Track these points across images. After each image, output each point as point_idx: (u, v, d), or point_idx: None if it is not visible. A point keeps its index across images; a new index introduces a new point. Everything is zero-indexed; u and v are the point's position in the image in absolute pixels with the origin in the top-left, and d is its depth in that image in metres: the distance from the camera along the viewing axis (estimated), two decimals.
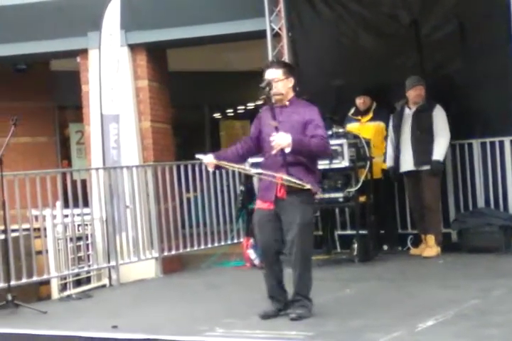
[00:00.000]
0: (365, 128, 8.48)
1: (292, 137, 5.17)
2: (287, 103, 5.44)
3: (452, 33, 8.45)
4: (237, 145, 5.63)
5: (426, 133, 8.01)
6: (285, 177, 5.25)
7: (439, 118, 8.02)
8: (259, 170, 5.50)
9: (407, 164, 8.13)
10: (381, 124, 8.49)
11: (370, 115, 8.53)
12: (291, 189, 5.28)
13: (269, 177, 5.33)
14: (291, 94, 5.49)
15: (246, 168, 5.72)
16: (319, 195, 5.62)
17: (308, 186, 5.28)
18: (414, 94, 8.11)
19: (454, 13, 8.44)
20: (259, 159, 5.75)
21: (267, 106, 5.56)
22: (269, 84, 5.35)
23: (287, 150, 5.19)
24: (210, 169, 5.64)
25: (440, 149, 7.97)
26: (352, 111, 8.63)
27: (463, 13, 8.39)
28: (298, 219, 5.27)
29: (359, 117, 8.58)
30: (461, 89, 8.38)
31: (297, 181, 5.25)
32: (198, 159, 5.68)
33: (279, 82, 5.38)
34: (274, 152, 5.23)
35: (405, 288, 6.41)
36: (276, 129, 5.25)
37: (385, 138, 8.42)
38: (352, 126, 8.49)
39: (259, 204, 5.49)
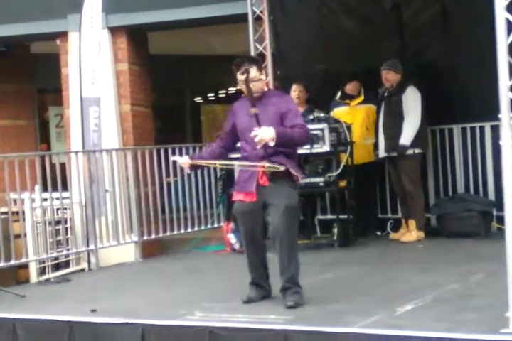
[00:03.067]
0: (356, 111, 8.49)
1: (276, 130, 5.12)
2: (261, 95, 5.35)
3: (434, 17, 8.45)
4: (213, 145, 5.62)
5: (395, 118, 7.99)
6: (267, 164, 5.20)
7: (409, 100, 7.96)
8: (238, 162, 5.41)
9: (381, 150, 8.16)
10: (372, 107, 8.47)
11: (361, 98, 8.52)
12: (274, 176, 5.24)
13: (249, 167, 5.26)
14: (264, 88, 5.45)
15: (223, 161, 5.54)
16: (302, 181, 5.54)
17: (287, 167, 5.21)
18: (384, 77, 8.12)
19: None
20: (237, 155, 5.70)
21: (240, 99, 5.53)
22: (247, 71, 5.30)
23: (271, 143, 5.13)
24: (187, 170, 5.59)
25: (406, 133, 7.93)
26: (338, 95, 8.61)
27: None
28: (284, 202, 5.20)
29: (347, 101, 8.56)
30: (442, 74, 8.38)
31: (278, 166, 5.19)
32: (174, 160, 5.68)
33: (259, 80, 5.33)
34: (258, 147, 5.15)
35: (385, 272, 6.43)
36: (256, 116, 5.19)
37: None
38: (341, 110, 8.50)
39: (240, 197, 5.37)
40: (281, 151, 5.27)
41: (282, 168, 5.20)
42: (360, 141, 8.35)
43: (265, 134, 5.11)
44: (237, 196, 5.43)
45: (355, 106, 8.53)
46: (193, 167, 5.56)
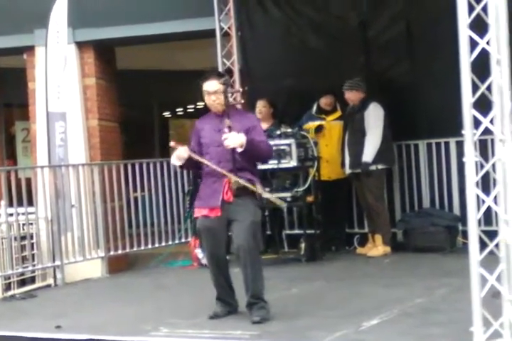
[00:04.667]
0: (332, 126, 8.53)
1: (245, 137, 5.14)
2: (225, 111, 5.35)
3: (399, 35, 8.54)
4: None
5: (358, 135, 8.08)
6: (235, 179, 5.20)
7: (370, 117, 8.04)
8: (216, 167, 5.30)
9: (347, 167, 8.22)
10: None
11: (338, 114, 8.57)
12: (239, 192, 5.24)
13: (221, 174, 5.23)
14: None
15: (210, 163, 5.34)
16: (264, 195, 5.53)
17: (259, 189, 5.24)
18: (346, 97, 8.19)
19: (402, 16, 8.54)
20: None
21: (203, 117, 5.55)
22: (228, 81, 5.36)
23: (239, 149, 5.15)
24: (179, 162, 5.41)
25: (367, 150, 8.01)
26: (314, 110, 8.64)
27: (410, 15, 8.49)
28: (250, 218, 5.22)
29: (323, 116, 8.60)
30: (407, 90, 8.47)
31: (247, 184, 5.20)
32: (171, 146, 5.49)
33: (222, 93, 5.33)
34: (228, 147, 5.15)
35: (351, 287, 6.45)
36: (229, 128, 5.21)
37: None
38: (316, 124, 8.51)
39: (204, 212, 5.36)
40: (246, 167, 5.29)
41: (257, 188, 5.20)
42: (336, 156, 8.40)
43: (236, 138, 5.13)
44: (200, 211, 5.41)
45: (331, 121, 8.58)
46: (185, 162, 5.37)
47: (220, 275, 5.44)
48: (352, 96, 8.20)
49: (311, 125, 8.48)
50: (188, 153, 5.36)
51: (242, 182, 5.21)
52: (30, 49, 10.21)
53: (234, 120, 5.32)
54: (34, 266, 7.94)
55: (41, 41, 9.13)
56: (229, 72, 9.00)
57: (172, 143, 5.47)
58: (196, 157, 5.37)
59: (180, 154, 5.39)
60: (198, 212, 5.43)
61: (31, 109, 10.36)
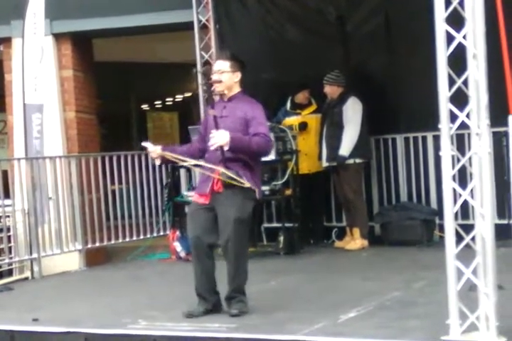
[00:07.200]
0: (308, 120, 8.54)
1: (231, 135, 5.05)
2: (231, 98, 5.33)
3: (378, 28, 8.57)
4: (193, 144, 5.59)
5: (336, 128, 8.11)
6: (223, 170, 5.13)
7: (349, 110, 8.07)
8: (201, 163, 5.36)
9: (324, 160, 8.25)
10: None
11: (314, 107, 8.58)
12: (229, 183, 5.16)
13: (208, 170, 5.22)
14: (236, 90, 5.36)
15: (190, 160, 5.40)
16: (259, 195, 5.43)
17: (246, 183, 5.13)
18: (325, 91, 8.23)
19: (380, 9, 8.56)
20: None
21: (215, 103, 5.51)
22: (208, 70, 5.30)
23: (225, 148, 5.09)
24: (157, 162, 5.51)
25: (344, 143, 8.04)
26: (289, 105, 8.65)
27: (389, 9, 8.51)
28: (233, 214, 5.13)
29: (298, 111, 8.61)
30: (385, 84, 8.50)
31: (234, 176, 5.12)
32: (143, 148, 5.52)
33: (224, 73, 5.29)
34: (212, 148, 5.13)
35: (329, 280, 6.48)
36: (215, 118, 5.19)
37: None
38: (292, 120, 8.53)
39: (195, 198, 5.37)
40: (241, 159, 5.20)
41: (244, 183, 5.12)
42: (314, 149, 8.41)
43: (220, 137, 5.08)
44: (194, 196, 5.45)
45: (307, 115, 8.59)
46: (163, 160, 5.45)
47: (200, 265, 5.26)
48: (331, 91, 8.22)
49: (292, 121, 8.49)
50: (159, 153, 5.37)
51: (230, 174, 5.13)
52: (6, 40, 10.16)
53: (238, 107, 5.27)
54: (11, 258, 7.91)
55: (18, 32, 9.08)
56: (207, 65, 8.99)
57: (144, 143, 5.47)
58: (170, 155, 5.37)
59: (152, 155, 5.43)
60: (193, 197, 5.45)
61: (8, 100, 10.30)
